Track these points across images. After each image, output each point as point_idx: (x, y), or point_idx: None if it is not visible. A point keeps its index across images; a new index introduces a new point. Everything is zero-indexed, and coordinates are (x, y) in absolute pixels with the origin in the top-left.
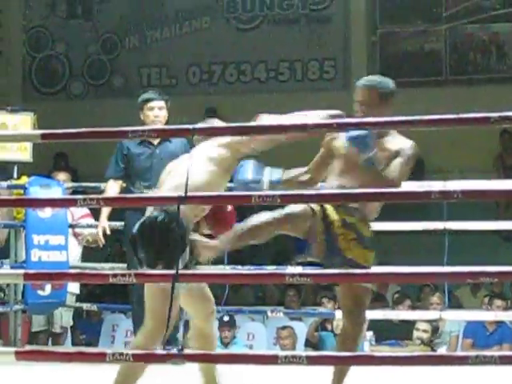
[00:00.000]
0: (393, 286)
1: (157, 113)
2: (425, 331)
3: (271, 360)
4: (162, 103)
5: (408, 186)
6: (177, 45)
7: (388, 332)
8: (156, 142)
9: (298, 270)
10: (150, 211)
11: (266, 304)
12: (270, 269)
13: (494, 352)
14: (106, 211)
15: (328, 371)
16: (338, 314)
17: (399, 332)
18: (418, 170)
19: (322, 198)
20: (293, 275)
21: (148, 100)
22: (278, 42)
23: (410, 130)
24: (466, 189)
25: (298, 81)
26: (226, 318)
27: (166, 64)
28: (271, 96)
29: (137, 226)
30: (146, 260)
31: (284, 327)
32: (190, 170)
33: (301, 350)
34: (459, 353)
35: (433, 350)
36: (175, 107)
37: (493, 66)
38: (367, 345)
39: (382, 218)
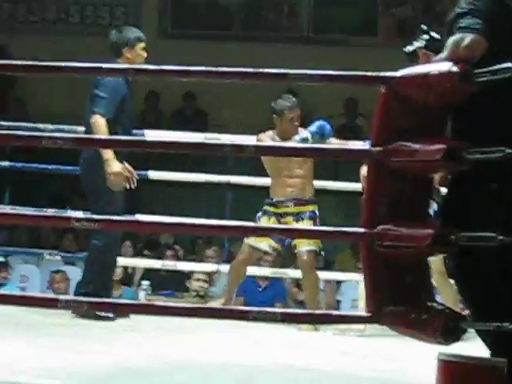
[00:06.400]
0: (167, 238)
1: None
2: (202, 281)
3: (51, 304)
4: None
5: (192, 138)
6: None
7: (164, 282)
8: None
9: (79, 214)
10: None
11: (40, 247)
12: (50, 211)
13: (277, 309)
14: None
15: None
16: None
17: (175, 283)
18: (201, 123)
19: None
20: (79, 219)
21: (142, 40)
22: None
23: (191, 81)
24: (258, 144)
25: (87, 25)
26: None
27: None
28: (60, 38)
29: None
30: None
31: (57, 271)
32: None
33: (73, 295)
34: (241, 307)
35: (206, 302)
36: None
37: (284, 24)
38: (143, 294)
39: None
